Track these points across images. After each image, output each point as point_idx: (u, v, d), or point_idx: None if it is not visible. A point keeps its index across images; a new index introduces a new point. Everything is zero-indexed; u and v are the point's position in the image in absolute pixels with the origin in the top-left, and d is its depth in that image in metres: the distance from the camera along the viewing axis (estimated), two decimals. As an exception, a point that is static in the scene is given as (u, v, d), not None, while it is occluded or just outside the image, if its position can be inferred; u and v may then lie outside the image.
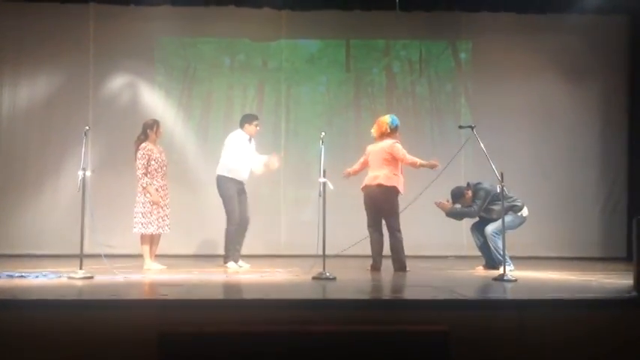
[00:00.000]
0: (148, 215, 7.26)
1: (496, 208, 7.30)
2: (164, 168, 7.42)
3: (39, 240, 9.26)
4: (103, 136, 9.39)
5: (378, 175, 7.22)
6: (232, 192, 7.65)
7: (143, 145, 7.33)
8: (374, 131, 7.44)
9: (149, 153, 7.30)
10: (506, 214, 6.91)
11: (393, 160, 7.22)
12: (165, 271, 7.18)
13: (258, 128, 7.87)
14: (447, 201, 7.61)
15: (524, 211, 7.49)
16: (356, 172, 7.59)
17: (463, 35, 10.27)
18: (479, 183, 7.57)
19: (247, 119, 7.87)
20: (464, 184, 7.75)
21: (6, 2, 9.51)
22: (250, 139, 7.85)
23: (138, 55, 9.90)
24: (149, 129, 7.44)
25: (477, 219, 7.76)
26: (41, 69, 9.77)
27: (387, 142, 7.29)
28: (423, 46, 10.37)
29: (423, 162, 7.17)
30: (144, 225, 7.26)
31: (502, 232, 6.83)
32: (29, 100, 9.80)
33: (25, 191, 9.54)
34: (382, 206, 7.23)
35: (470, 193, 7.60)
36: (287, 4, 9.74)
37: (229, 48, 10.28)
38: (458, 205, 7.62)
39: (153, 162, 7.30)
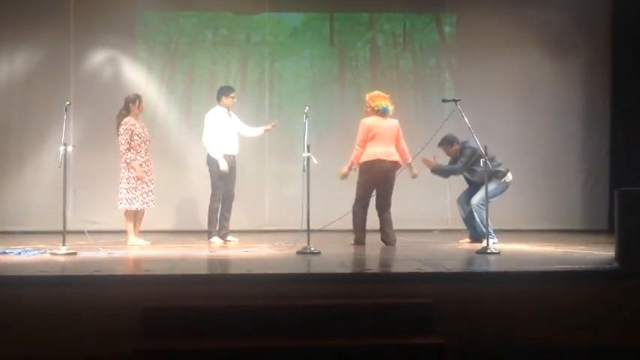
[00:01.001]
0: (133, 191, 7.21)
1: (479, 170, 7.27)
2: (147, 143, 7.36)
3: (22, 216, 9.18)
4: (84, 112, 9.29)
5: (392, 152, 7.23)
6: (219, 169, 7.58)
7: (125, 120, 7.26)
8: (390, 106, 7.35)
9: (132, 128, 7.23)
10: (489, 180, 6.93)
11: (398, 139, 7.34)
12: (149, 246, 7.17)
13: (234, 100, 7.78)
14: (434, 158, 7.61)
15: (508, 177, 7.48)
16: (360, 157, 7.31)
17: (447, 8, 10.21)
18: (466, 141, 7.56)
19: (223, 92, 7.78)
20: (445, 157, 7.78)
21: (-16, -23, 9.34)
22: (229, 112, 7.77)
23: (119, 30, 9.76)
24: (131, 103, 7.36)
25: (464, 192, 7.76)
26: (21, 45, 9.61)
27: (396, 122, 7.38)
28: (407, 20, 10.30)
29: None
30: (129, 201, 7.22)
31: (486, 202, 6.86)
32: (9, 77, 9.66)
33: (7, 168, 9.45)
34: (389, 183, 7.27)
35: (457, 147, 7.62)
36: (270, -23, 9.65)
37: (212, 22, 10.16)
38: (443, 163, 7.64)
39: (136, 137, 7.24)
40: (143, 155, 7.30)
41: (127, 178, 7.22)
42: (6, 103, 9.58)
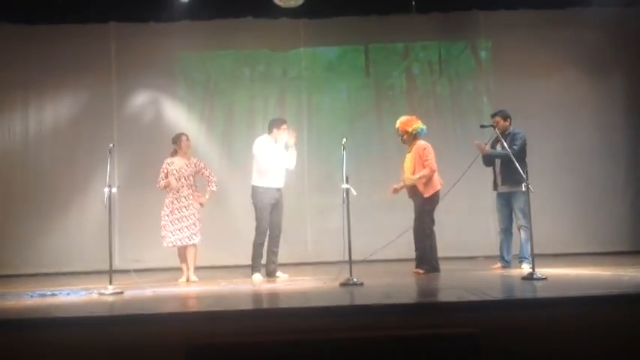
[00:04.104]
0: (165, 228, 7.43)
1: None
2: (182, 180, 7.48)
3: (69, 258, 9.38)
4: (128, 152, 9.49)
5: None
6: (265, 203, 7.43)
7: (165, 160, 7.55)
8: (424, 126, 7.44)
9: (167, 167, 7.51)
10: (518, 186, 6.72)
11: None
12: (193, 283, 7.20)
13: (286, 132, 7.58)
14: (485, 144, 7.52)
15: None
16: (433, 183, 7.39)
17: (482, 34, 10.22)
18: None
19: (275, 124, 7.63)
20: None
21: (29, 26, 9.68)
22: (277, 142, 7.59)
23: (159, 71, 10.01)
24: (174, 144, 7.64)
25: (501, 216, 7.62)
26: (65, 89, 9.94)
27: None
28: (442, 47, 10.33)
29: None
30: (163, 237, 7.43)
31: (529, 218, 6.69)
32: (55, 121, 9.97)
33: (53, 210, 9.68)
34: None
35: (507, 124, 7.55)
36: (304, 13, 9.75)
37: (249, 59, 10.35)
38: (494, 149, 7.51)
39: (169, 175, 7.47)
40: (175, 193, 7.45)
41: (162, 216, 7.44)
42: (53, 146, 9.86)
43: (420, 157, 7.20)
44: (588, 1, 9.57)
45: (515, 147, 7.28)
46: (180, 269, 7.50)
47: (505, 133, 7.45)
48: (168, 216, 7.41)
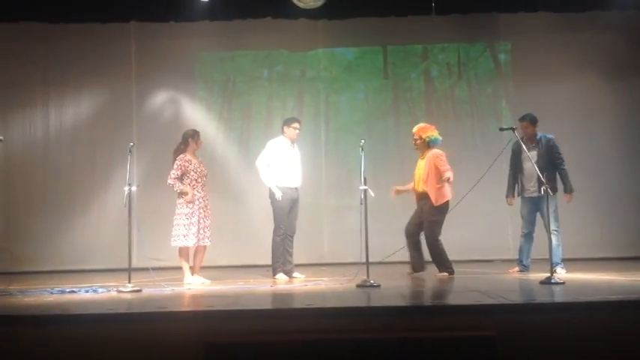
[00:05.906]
0: (189, 227, 7.20)
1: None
2: (203, 178, 7.38)
3: (88, 255, 9.44)
4: (147, 151, 9.53)
5: None
6: (283, 203, 7.49)
7: (181, 156, 7.36)
8: (439, 137, 7.49)
9: (186, 164, 7.31)
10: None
11: None
12: (211, 283, 7.20)
13: (297, 131, 7.72)
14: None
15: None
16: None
17: (502, 36, 10.17)
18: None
19: (286, 122, 7.78)
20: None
21: (49, 25, 9.75)
22: (293, 144, 7.74)
23: (179, 71, 10.06)
24: (190, 138, 7.46)
25: (526, 222, 7.58)
26: (86, 88, 10.00)
27: None
28: (461, 49, 10.30)
29: None
30: (185, 237, 7.20)
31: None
32: (75, 120, 10.03)
33: (74, 208, 9.75)
34: None
35: (535, 130, 7.55)
36: (323, 14, 9.75)
37: (267, 60, 10.37)
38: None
39: (192, 172, 7.30)
40: (200, 190, 7.34)
41: (181, 215, 7.25)
42: (72, 145, 9.93)
43: (436, 165, 7.25)
44: (608, 4, 9.49)
45: (561, 156, 7.50)
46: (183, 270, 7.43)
47: (536, 139, 7.43)
48: (193, 214, 7.21)
